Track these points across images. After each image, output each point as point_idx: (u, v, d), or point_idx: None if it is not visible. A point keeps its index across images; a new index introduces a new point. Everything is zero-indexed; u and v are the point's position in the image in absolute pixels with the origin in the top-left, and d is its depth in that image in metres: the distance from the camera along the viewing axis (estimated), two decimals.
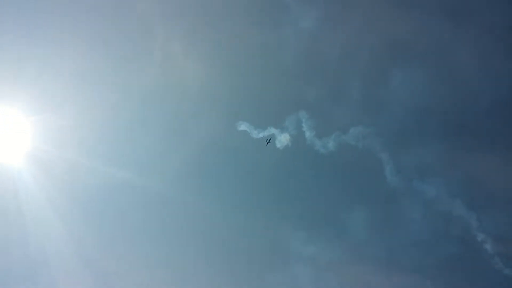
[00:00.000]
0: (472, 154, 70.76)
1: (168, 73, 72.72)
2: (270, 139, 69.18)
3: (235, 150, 70.94)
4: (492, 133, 71.74)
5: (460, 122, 72.75)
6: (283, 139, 67.98)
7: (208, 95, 71.80)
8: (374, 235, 68.69)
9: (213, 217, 70.54)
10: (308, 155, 70.31)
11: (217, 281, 67.83)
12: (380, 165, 68.69)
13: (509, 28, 70.99)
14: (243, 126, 67.01)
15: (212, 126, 69.76)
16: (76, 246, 65.58)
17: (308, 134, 68.10)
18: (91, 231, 67.28)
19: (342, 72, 74.20)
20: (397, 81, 71.65)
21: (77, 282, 63.61)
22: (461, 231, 66.49)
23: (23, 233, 63.71)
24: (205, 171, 71.68)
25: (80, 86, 68.92)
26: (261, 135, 68.07)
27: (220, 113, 70.12)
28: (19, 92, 64.56)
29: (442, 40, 74.66)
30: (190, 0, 72.32)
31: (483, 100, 70.80)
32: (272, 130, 67.92)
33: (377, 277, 69.72)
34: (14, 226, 63.63)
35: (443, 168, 69.86)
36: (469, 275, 67.90)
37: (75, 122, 66.81)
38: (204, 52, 73.49)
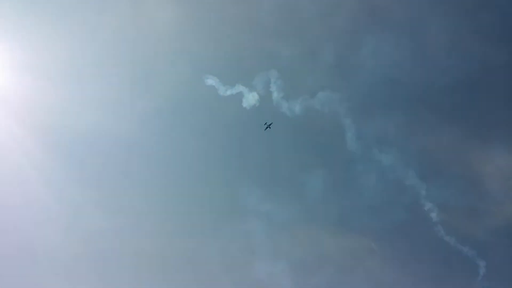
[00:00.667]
0: (430, 128, 73.41)
1: (138, 20, 70.22)
2: (270, 124, 69.30)
3: (200, 105, 70.64)
4: (451, 110, 74.46)
5: (423, 96, 74.84)
6: (250, 99, 67.60)
7: (178, 44, 70.10)
8: (329, 198, 71.24)
9: (174, 167, 71.10)
10: (273, 117, 70.74)
11: (173, 229, 69.33)
12: (342, 131, 70.20)
13: (482, 8, 72.23)
14: (210, 81, 66.00)
15: (179, 76, 68.62)
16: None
17: (276, 95, 68.07)
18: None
19: (316, 34, 73.88)
20: (369, 49, 72.18)
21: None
22: (410, 200, 69.96)
23: None
24: (169, 121, 71.29)
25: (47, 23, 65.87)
26: (228, 92, 67.44)
27: (188, 65, 68.86)
28: None
29: (418, 14, 75.22)
30: None
31: (448, 77, 72.77)
32: (241, 88, 67.33)
33: (329, 237, 73.11)
34: None
35: (401, 139, 72.34)
36: (413, 240, 72.31)
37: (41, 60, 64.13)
38: (176, 2, 71.06)
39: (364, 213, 71.49)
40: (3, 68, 61.32)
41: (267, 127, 69.24)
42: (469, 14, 73.49)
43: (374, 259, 71.87)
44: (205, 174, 72.13)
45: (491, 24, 72.61)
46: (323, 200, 70.52)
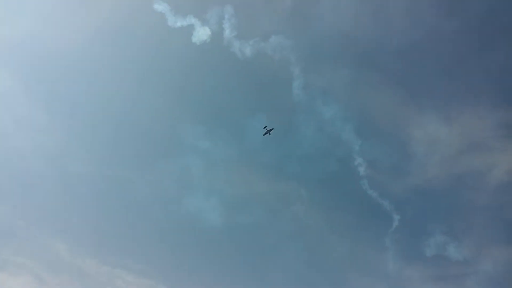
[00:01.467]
0: (373, 88, 75.88)
1: None
2: (270, 130, 65.94)
3: (145, 33, 67.16)
4: (395, 73, 77.00)
5: (372, 56, 76.42)
6: (202, 33, 65.00)
7: None
8: (268, 142, 72.82)
9: (113, 93, 68.45)
10: (223, 56, 69.18)
11: (108, 156, 68.10)
12: (289, 78, 70.51)
13: None
14: (160, 7, 62.16)
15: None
16: None
17: (228, 33, 66.03)
18: None
19: None
20: (329, 1, 71.61)
21: None
22: (343, 153, 73.42)
23: None
24: (111, 45, 67.43)
25: None
26: (178, 24, 64.16)
27: None
28: None
29: None
30: None
31: (398, 41, 74.67)
32: (192, 20, 64.26)
33: (262, 180, 75.68)
34: None
35: (345, 94, 74.39)
36: (340, 191, 77.02)
37: None
38: None
39: (299, 161, 74.17)
40: None
41: (266, 133, 68.29)
42: None
43: (302, 204, 76.05)
44: (145, 106, 70.33)
45: None
46: (261, 144, 71.99)
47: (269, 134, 67.17)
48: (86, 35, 63.18)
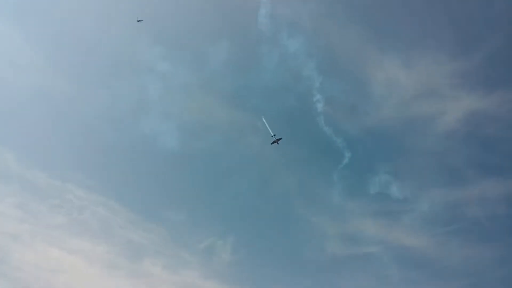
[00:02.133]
0: (340, 24, 74.90)
1: None
2: (278, 140, 62.59)
3: None
4: (364, 11, 75.89)
5: None
6: None
7: None
8: (229, 71, 71.96)
9: (73, 12, 64.25)
10: None
11: (63, 71, 65.43)
12: (256, 7, 68.07)
13: None
14: None
15: None
16: None
17: None
18: None
19: None
20: None
21: None
22: (304, 89, 73.97)
23: None
24: None
25: None
26: None
27: None
28: None
29: None
30: None
31: None
32: None
33: (221, 108, 75.71)
34: None
35: (312, 29, 73.17)
36: (296, 125, 78.63)
37: None
38: None
39: (259, 93, 74.21)
40: None
41: (274, 142, 64.88)
42: None
43: (257, 135, 77.41)
44: (102, 22, 66.58)
45: None
46: (222, 72, 71.05)
47: (277, 143, 65.52)
48: None
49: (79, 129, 65.46)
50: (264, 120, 67.22)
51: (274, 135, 66.87)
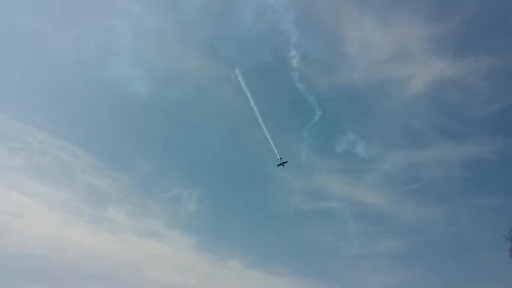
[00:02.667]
0: None
1: None
2: (284, 163, 60.00)
3: None
4: None
5: None
6: None
7: None
8: (203, 19, 68.99)
9: None
10: None
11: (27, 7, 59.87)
12: None
13: None
14: None
15: None
16: None
17: None
18: None
19: None
20: None
21: None
22: (280, 43, 72.59)
23: None
24: None
25: None
26: None
27: None
28: None
29: None
30: None
31: None
32: None
33: (194, 57, 73.27)
34: None
35: None
36: (270, 79, 77.94)
37: None
38: None
39: (234, 44, 72.12)
40: None
41: (280, 164, 60.80)
42: None
43: (231, 87, 76.09)
44: None
45: None
46: (197, 19, 68.02)
47: (283, 165, 63.07)
48: None
49: (43, 69, 61.36)
50: (269, 138, 66.06)
51: (281, 158, 66.45)
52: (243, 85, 70.01)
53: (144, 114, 77.51)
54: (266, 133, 75.34)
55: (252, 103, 73.36)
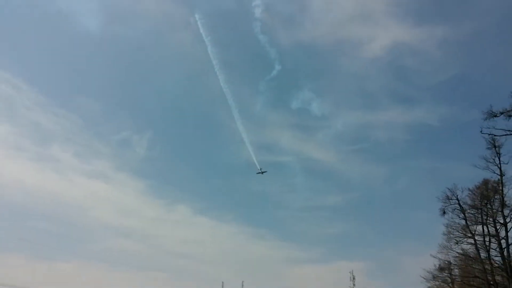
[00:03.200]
0: None
1: None
2: (263, 172, 54.84)
3: None
4: None
5: None
6: None
7: None
8: None
9: None
10: None
11: None
12: None
13: None
14: None
15: None
16: None
17: None
18: None
19: None
20: None
21: None
22: None
23: None
24: None
25: None
26: None
27: None
28: None
29: None
30: None
31: None
32: None
33: None
34: None
35: None
36: (231, 27, 75.41)
37: None
38: None
39: None
40: None
41: (259, 172, 55.77)
42: None
43: (190, 33, 72.85)
44: None
45: None
46: None
47: (262, 174, 60.37)
48: None
49: None
50: (251, 153, 63.45)
51: (261, 168, 65.23)
52: (202, 31, 67.26)
53: (95, 51, 73.12)
54: (222, 83, 73.72)
55: (210, 51, 71.04)
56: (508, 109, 15.14)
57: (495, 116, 15.45)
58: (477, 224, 20.27)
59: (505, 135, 15.96)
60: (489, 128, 16.13)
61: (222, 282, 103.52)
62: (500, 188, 18.17)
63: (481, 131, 16.43)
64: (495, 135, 16.70)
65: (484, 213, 19.48)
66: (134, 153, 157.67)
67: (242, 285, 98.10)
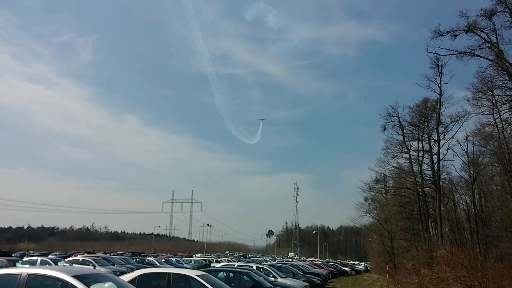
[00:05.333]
0: None
1: None
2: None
3: None
4: None
5: None
6: None
7: None
8: None
9: None
10: None
11: None
12: None
13: None
14: None
15: None
16: None
17: None
18: None
19: None
20: None
21: None
22: None
23: None
24: None
25: None
26: None
27: None
28: None
29: None
30: None
31: None
32: None
33: None
34: None
35: None
36: None
37: None
38: None
39: None
40: None
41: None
42: None
43: None
44: None
45: None
46: None
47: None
48: None
49: None
50: None
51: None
52: None
53: None
54: None
55: None
56: (454, 29, 14.72)
57: (442, 35, 15.00)
58: (413, 141, 21.24)
59: (449, 54, 15.74)
60: (434, 47, 15.86)
61: (173, 191, 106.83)
62: (438, 106, 18.61)
63: (427, 50, 16.16)
64: (439, 54, 16.47)
65: (421, 130, 20.24)
66: (79, 57, 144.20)
67: (192, 194, 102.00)
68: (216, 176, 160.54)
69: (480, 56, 14.42)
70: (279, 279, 12.22)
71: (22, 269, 4.34)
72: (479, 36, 14.19)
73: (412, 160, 20.92)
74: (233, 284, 9.00)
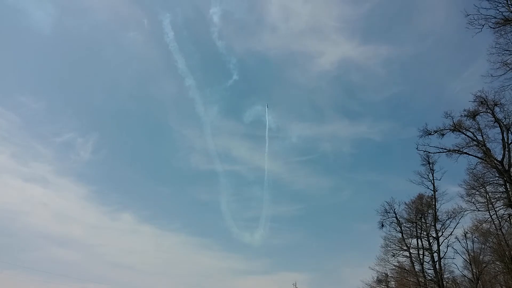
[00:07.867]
0: None
1: None
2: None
3: None
4: None
5: None
6: None
7: None
8: None
9: None
10: None
11: None
12: None
13: None
14: None
15: None
16: None
17: None
18: None
19: None
20: None
21: None
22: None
23: None
24: None
25: None
26: None
27: None
28: None
29: None
30: None
31: None
32: None
33: None
34: None
35: None
36: (189, 32, 73.79)
37: None
38: None
39: None
40: None
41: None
42: None
43: (142, 33, 70.06)
44: None
45: None
46: None
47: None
48: None
49: None
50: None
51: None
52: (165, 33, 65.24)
53: (42, 46, 68.03)
54: (173, 87, 71.57)
55: (165, 54, 68.99)
56: (441, 128, 15.76)
57: (430, 134, 16.00)
58: (412, 238, 20.96)
59: (439, 152, 16.54)
60: (424, 145, 16.71)
61: None
62: (433, 203, 18.84)
63: (416, 148, 16.96)
64: (429, 152, 17.27)
65: (419, 227, 20.14)
66: (78, 156, 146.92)
67: None
68: (211, 277, 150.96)
69: (469, 154, 15.17)
70: None
71: None
72: (465, 134, 15.14)
73: (413, 258, 20.37)
74: None
